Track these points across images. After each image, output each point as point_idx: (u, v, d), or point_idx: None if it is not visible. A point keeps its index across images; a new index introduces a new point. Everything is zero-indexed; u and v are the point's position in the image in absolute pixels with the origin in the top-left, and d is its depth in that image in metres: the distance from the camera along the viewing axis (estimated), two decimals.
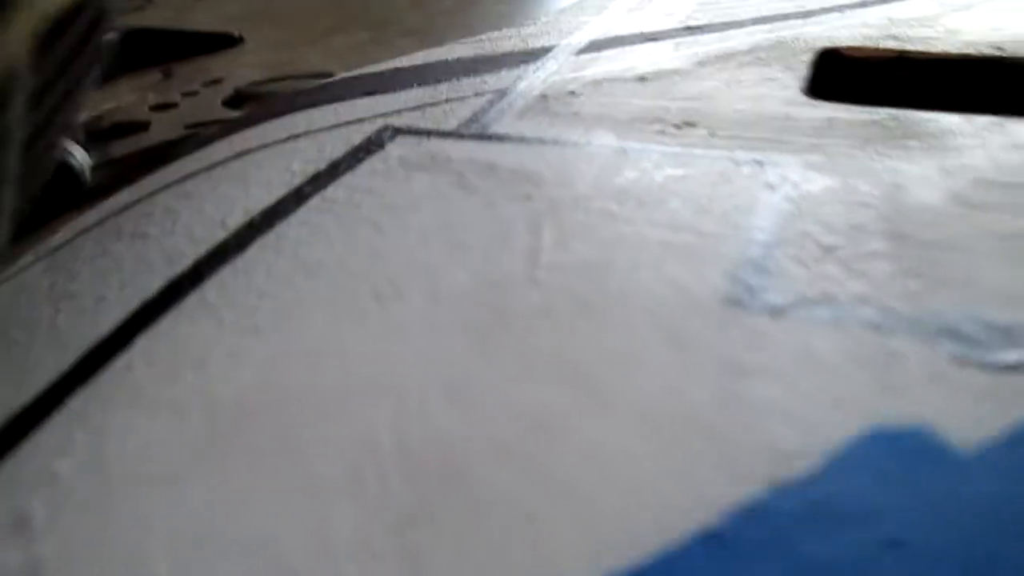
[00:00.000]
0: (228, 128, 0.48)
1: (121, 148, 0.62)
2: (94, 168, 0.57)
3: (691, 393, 0.24)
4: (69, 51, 0.29)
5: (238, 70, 0.76)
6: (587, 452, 0.22)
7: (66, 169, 0.55)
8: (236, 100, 0.70)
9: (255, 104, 0.66)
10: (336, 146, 0.42)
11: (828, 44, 0.54)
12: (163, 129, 0.65)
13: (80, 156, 0.57)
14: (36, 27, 0.20)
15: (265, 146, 0.43)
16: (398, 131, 0.43)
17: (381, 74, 0.53)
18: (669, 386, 0.24)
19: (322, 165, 0.40)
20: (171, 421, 0.25)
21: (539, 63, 0.53)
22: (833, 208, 0.33)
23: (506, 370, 0.25)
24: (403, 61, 0.55)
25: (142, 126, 0.65)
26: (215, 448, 0.23)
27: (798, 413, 0.23)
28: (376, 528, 0.20)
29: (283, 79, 0.70)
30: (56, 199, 0.51)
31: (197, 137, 0.56)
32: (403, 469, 0.22)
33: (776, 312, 0.27)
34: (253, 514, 0.21)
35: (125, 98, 0.72)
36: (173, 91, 0.72)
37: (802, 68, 0.51)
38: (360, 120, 0.45)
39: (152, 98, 0.70)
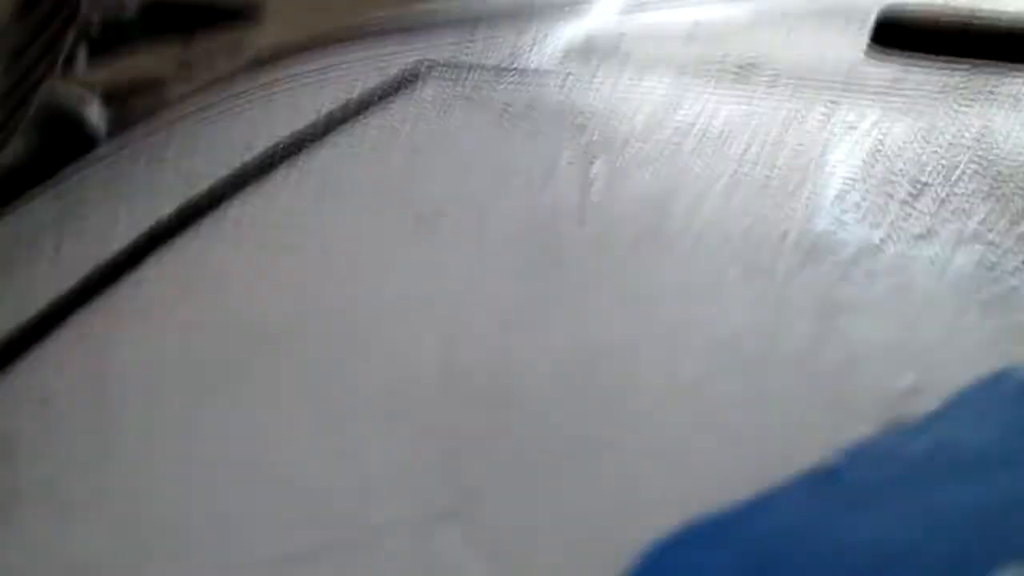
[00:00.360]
0: (254, 64, 0.45)
1: (137, 108, 0.59)
2: (110, 126, 0.54)
3: (783, 326, 0.20)
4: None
5: (259, 40, 0.73)
6: (664, 382, 0.19)
7: (81, 126, 0.53)
8: (258, 62, 0.67)
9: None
10: (369, 78, 0.38)
11: (890, 3, 0.50)
12: (181, 91, 0.63)
13: (96, 113, 0.54)
14: None
15: (293, 77, 0.40)
16: (434, 66, 0.40)
17: (415, 16, 0.50)
18: (755, 319, 0.21)
19: (354, 96, 0.37)
20: (184, 341, 0.22)
21: (582, 10, 0.50)
22: (921, 148, 0.30)
23: (564, 295, 0.22)
24: (439, 4, 0.52)
25: (160, 86, 0.63)
26: (234, 371, 0.20)
27: (911, 351, 0.20)
28: (419, 460, 0.17)
29: (306, 47, 0.67)
30: (70, 157, 0.48)
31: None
32: (451, 395, 0.19)
33: (872, 246, 0.24)
34: (278, 445, 0.18)
35: (144, 65, 0.69)
36: (192, 56, 0.70)
37: (863, 28, 0.47)
38: (394, 55, 0.42)
39: (172, 64, 0.68)
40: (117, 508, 0.17)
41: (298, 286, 0.23)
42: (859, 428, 0.17)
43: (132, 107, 0.60)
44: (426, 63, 0.40)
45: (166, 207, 0.29)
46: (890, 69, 0.39)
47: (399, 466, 0.17)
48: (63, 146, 0.48)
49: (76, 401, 0.20)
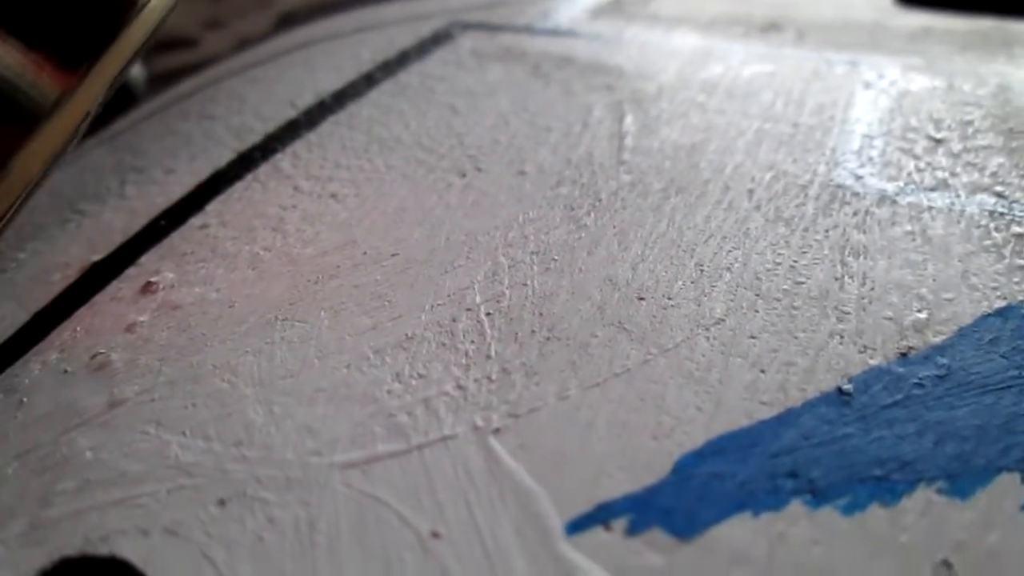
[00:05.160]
0: (290, 23, 0.47)
1: (172, 62, 0.61)
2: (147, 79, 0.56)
3: (805, 269, 0.22)
4: None
5: None
6: (695, 319, 0.21)
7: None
8: (286, 21, 0.68)
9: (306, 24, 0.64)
10: (405, 37, 0.40)
11: None
12: (213, 45, 0.64)
13: (135, 69, 0.55)
14: None
15: (332, 37, 0.41)
16: (468, 25, 0.41)
17: None
18: (778, 261, 0.23)
19: (392, 54, 0.38)
20: (252, 275, 0.23)
21: None
22: (937, 105, 0.31)
23: (601, 241, 0.24)
24: None
25: (191, 42, 0.64)
26: (301, 302, 0.22)
27: (923, 290, 0.21)
28: (474, 380, 0.19)
29: (335, 2, 0.68)
30: (109, 111, 0.50)
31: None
32: (499, 326, 0.21)
33: (887, 197, 0.25)
34: (345, 365, 0.20)
35: (173, 17, 0.70)
36: (223, 11, 0.71)
37: None
38: (428, 16, 0.43)
39: (201, 17, 0.69)
40: (206, 415, 0.19)
41: (350, 228, 0.25)
42: (872, 357, 0.19)
43: (167, 61, 0.62)
44: (459, 24, 0.41)
45: (222, 158, 0.31)
46: (912, 25, 0.40)
47: (459, 386, 0.19)
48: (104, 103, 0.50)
49: (159, 327, 0.22)
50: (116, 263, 0.25)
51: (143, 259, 0.25)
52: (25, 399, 0.20)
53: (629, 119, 0.31)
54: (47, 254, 0.28)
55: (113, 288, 0.24)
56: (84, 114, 0.22)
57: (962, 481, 0.16)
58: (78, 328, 0.23)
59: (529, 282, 0.22)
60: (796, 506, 0.16)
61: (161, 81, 0.59)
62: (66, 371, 0.21)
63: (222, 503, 0.17)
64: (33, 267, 0.27)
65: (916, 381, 0.18)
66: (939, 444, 0.17)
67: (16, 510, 0.17)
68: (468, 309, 0.21)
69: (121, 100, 0.53)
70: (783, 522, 0.15)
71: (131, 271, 0.25)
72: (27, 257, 0.28)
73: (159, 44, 0.64)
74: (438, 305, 0.21)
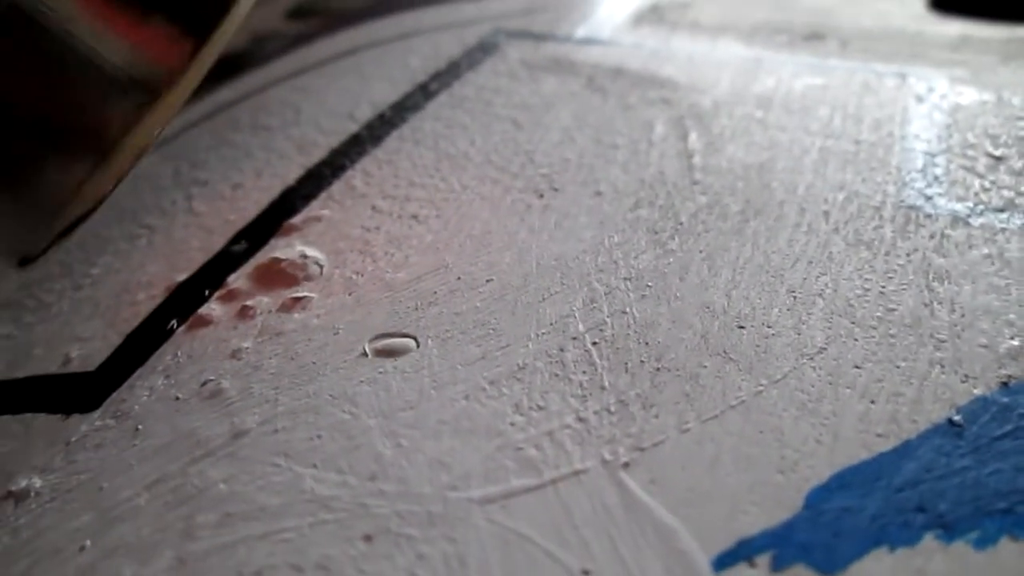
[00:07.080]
0: (327, 28, 0.47)
1: None
2: None
3: (895, 295, 0.23)
4: None
5: None
6: (798, 348, 0.21)
7: None
8: (298, 13, 0.67)
9: (320, 18, 0.64)
10: (450, 45, 0.40)
11: None
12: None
13: None
14: None
15: (376, 44, 0.41)
16: (512, 34, 0.41)
17: None
18: (868, 288, 0.23)
19: (441, 64, 0.38)
20: (350, 301, 0.24)
21: None
22: (991, 120, 0.32)
23: (691, 267, 0.24)
24: None
25: None
26: (405, 329, 0.23)
27: (1011, 316, 0.22)
28: (594, 412, 0.20)
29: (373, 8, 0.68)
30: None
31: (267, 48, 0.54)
32: (607, 356, 0.21)
33: (959, 218, 0.26)
34: (463, 396, 0.20)
35: None
36: None
37: None
38: (468, 22, 0.43)
39: None
40: (334, 447, 0.19)
41: (439, 252, 0.25)
42: (975, 387, 0.20)
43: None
44: (503, 33, 0.41)
45: (289, 174, 0.31)
46: (951, 34, 0.41)
47: (579, 417, 0.19)
48: None
49: (266, 354, 0.22)
50: (202, 283, 0.25)
51: (231, 280, 0.25)
52: (140, 426, 0.21)
53: (693, 136, 0.31)
54: (123, 271, 0.28)
55: (206, 311, 0.24)
56: (192, 90, 0.22)
57: None
58: (179, 352, 0.23)
59: (628, 310, 0.22)
60: (929, 541, 0.16)
61: None
62: (178, 398, 0.21)
63: (368, 539, 0.17)
64: (111, 284, 0.27)
65: (1022, 412, 0.19)
66: None
67: (160, 544, 0.17)
68: (573, 338, 0.22)
69: None
70: (920, 557, 0.16)
71: (222, 294, 0.25)
72: (101, 273, 0.28)
73: None
74: (543, 334, 0.22)
